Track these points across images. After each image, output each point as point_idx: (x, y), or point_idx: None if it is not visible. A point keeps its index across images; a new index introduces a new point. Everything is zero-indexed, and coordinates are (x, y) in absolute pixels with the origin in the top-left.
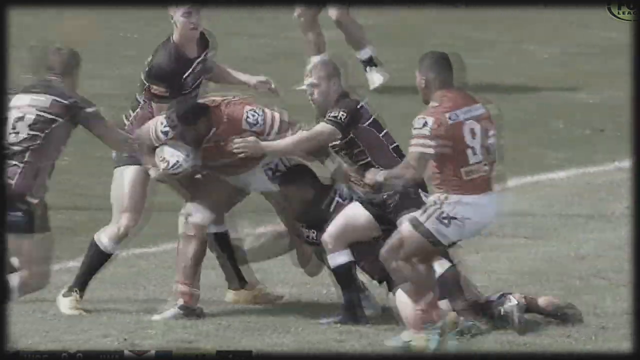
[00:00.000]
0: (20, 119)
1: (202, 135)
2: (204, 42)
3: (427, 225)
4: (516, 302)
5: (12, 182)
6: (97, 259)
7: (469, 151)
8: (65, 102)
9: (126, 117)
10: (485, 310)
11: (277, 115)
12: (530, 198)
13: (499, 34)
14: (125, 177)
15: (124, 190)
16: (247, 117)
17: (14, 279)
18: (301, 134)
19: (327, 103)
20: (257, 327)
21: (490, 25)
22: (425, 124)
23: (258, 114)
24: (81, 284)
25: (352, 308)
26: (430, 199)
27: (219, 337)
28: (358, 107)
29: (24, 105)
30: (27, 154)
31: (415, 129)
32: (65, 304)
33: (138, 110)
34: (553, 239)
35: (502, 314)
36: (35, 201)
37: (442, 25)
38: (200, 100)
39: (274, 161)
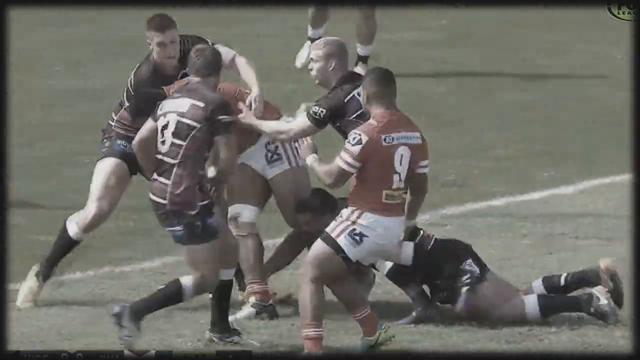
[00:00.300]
0: (165, 126)
1: None
2: (185, 60)
3: (339, 241)
4: (606, 301)
5: (165, 200)
6: (66, 245)
7: (395, 176)
8: (202, 105)
9: (111, 119)
10: (575, 307)
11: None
12: (605, 199)
13: (570, 36)
14: (101, 167)
15: (96, 180)
16: None
17: (186, 280)
18: (287, 125)
19: (325, 82)
20: (331, 328)
21: (561, 27)
22: (358, 142)
23: None
24: (47, 269)
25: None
26: (342, 212)
27: (294, 338)
28: (345, 100)
29: (168, 112)
30: (175, 168)
31: (347, 142)
32: (23, 291)
33: (121, 111)
34: (627, 240)
35: (593, 312)
36: (193, 212)
37: (513, 27)
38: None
39: (274, 143)
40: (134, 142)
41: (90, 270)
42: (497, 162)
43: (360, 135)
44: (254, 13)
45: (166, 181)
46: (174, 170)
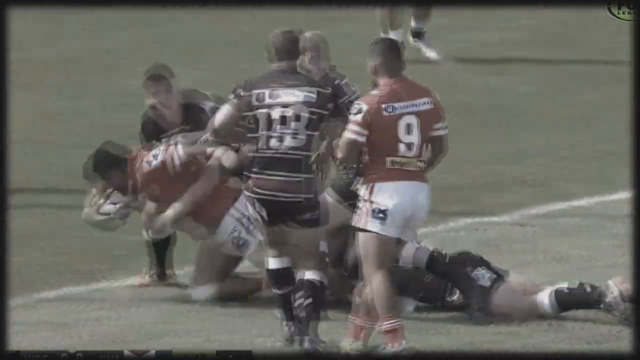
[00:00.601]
0: (295, 118)
1: (123, 185)
2: (185, 113)
3: (369, 228)
4: (618, 293)
5: (311, 195)
6: (152, 246)
7: (401, 145)
8: (327, 92)
9: None
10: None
11: (179, 150)
12: None
13: None
14: None
15: None
16: (149, 159)
17: (313, 275)
18: None
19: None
20: (418, 328)
21: None
22: (359, 111)
23: (158, 151)
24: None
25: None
26: (360, 191)
27: (377, 338)
28: (342, 82)
29: (290, 104)
30: (304, 158)
31: (350, 114)
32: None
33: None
34: None
35: (604, 307)
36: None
37: (598, 26)
38: (118, 151)
39: (236, 231)
40: (215, 127)
41: (173, 270)
42: (582, 161)
43: (360, 104)
44: (341, 13)
45: (307, 175)
46: (303, 160)
